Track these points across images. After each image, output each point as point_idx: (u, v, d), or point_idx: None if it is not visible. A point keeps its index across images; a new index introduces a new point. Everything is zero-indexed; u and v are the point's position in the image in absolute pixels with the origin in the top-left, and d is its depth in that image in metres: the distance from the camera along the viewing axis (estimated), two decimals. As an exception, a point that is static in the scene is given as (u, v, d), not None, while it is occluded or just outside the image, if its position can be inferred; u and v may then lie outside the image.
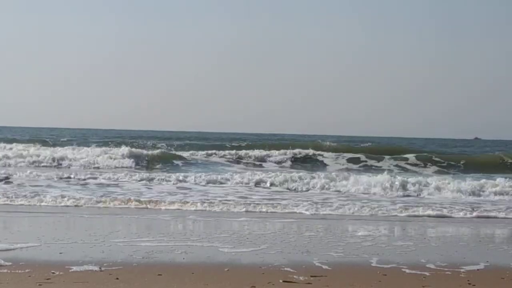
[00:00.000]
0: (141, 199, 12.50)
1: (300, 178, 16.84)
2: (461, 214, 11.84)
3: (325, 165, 25.72)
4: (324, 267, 6.63)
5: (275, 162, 25.58)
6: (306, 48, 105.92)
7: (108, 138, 35.28)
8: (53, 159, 22.46)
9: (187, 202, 12.27)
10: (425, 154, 28.39)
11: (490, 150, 37.63)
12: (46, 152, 23.23)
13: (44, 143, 28.82)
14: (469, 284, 6.01)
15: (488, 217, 11.68)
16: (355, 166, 25.17)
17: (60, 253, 7.04)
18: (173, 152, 26.77)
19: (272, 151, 26.77)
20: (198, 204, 12.06)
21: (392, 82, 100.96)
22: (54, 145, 27.47)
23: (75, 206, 11.63)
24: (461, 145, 48.31)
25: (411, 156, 27.08)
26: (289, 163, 25.58)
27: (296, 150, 27.00)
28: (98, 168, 21.38)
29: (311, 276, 6.07)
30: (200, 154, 26.28)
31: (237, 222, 10.11)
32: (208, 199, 12.95)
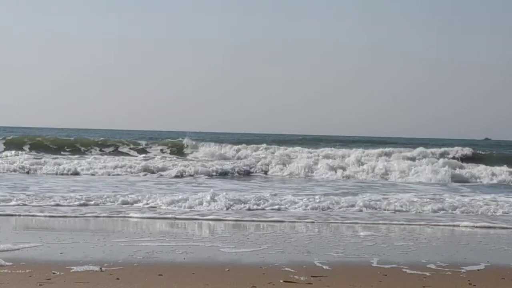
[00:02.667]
0: None
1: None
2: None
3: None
4: (325, 267, 6.63)
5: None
6: (306, 48, 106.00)
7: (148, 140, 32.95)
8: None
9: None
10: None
11: (496, 150, 36.99)
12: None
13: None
14: (469, 284, 6.02)
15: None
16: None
17: (61, 253, 7.05)
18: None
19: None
20: None
21: (396, 81, 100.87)
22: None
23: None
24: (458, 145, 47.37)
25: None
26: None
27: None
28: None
29: (312, 276, 6.08)
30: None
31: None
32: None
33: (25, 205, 10.96)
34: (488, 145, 48.21)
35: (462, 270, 6.64)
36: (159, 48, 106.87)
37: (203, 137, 32.65)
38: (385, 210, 11.82)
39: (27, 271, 6.00)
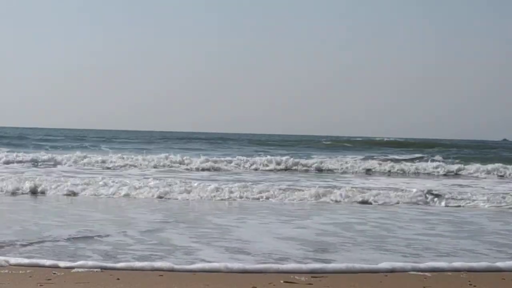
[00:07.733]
0: None
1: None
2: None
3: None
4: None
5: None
6: (306, 48, 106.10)
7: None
8: None
9: None
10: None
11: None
12: None
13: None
14: (470, 285, 6.01)
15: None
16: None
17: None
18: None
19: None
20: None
21: (403, 81, 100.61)
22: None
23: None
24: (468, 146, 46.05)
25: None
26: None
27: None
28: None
29: (312, 277, 6.07)
30: None
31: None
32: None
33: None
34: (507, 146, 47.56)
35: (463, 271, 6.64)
36: (154, 49, 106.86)
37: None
38: None
39: (28, 271, 5.99)
